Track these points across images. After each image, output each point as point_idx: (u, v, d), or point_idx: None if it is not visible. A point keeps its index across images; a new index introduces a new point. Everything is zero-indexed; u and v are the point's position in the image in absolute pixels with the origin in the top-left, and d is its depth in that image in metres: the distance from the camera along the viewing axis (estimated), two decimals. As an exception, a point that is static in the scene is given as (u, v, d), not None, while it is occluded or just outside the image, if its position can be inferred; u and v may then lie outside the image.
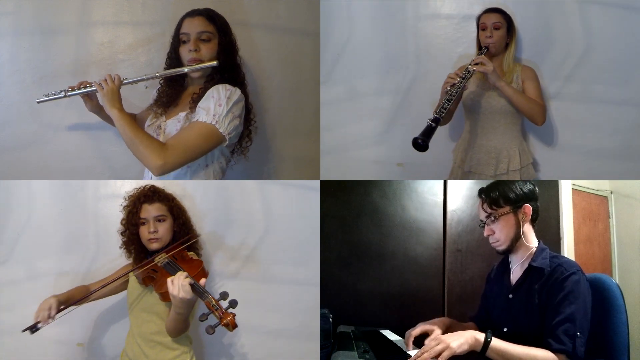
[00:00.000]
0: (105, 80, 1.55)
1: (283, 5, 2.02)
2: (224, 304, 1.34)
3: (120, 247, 1.66)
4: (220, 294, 1.35)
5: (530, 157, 2.01)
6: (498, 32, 1.90)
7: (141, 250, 1.63)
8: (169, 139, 1.53)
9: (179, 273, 1.37)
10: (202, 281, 1.38)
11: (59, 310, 1.46)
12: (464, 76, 1.79)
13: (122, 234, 1.65)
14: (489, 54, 1.91)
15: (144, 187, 1.66)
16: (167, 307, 1.53)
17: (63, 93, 1.65)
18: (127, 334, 1.64)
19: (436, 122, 1.72)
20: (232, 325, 1.31)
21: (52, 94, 1.66)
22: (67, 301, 1.51)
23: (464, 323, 1.62)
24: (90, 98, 1.74)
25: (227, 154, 1.71)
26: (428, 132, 1.71)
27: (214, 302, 1.34)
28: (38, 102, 1.68)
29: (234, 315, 1.32)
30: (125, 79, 1.59)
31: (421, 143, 1.69)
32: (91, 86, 1.62)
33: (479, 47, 1.96)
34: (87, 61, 1.97)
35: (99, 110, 1.78)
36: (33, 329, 1.44)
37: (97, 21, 1.98)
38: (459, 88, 1.78)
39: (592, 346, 1.31)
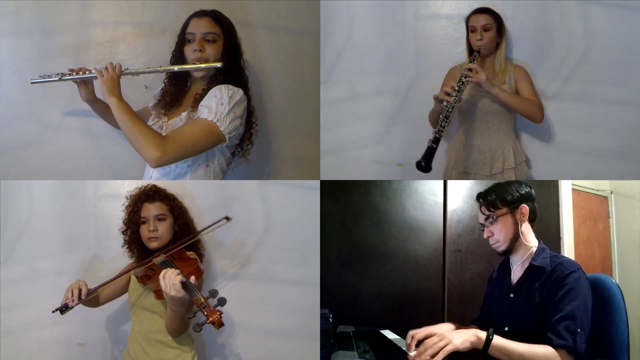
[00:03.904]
0: (106, 67, 1.53)
1: (283, 5, 2.02)
2: (213, 301, 1.33)
3: (123, 246, 1.66)
4: (209, 291, 1.34)
5: (523, 155, 2.02)
6: (488, 33, 1.90)
7: (143, 249, 1.64)
8: (170, 132, 1.53)
9: (170, 270, 1.37)
10: (192, 279, 1.37)
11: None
12: (459, 88, 1.80)
13: (123, 232, 1.66)
14: (480, 57, 1.91)
15: (145, 187, 1.66)
16: (166, 305, 1.52)
17: (59, 76, 1.61)
18: (129, 333, 1.64)
19: (437, 142, 1.75)
20: (218, 323, 1.30)
21: (48, 76, 1.62)
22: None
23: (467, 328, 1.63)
24: (86, 85, 1.71)
25: (228, 155, 1.71)
26: (430, 154, 1.75)
27: (202, 300, 1.33)
28: (32, 83, 1.64)
29: (221, 313, 1.31)
30: (127, 69, 1.58)
31: (424, 166, 1.74)
32: (90, 73, 1.59)
33: (470, 50, 1.96)
34: (87, 61, 1.96)
35: (93, 100, 1.76)
36: (63, 309, 1.46)
37: (97, 21, 1.98)
38: (455, 102, 1.79)
39: (593, 346, 1.31)
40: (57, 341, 1.83)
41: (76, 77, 1.63)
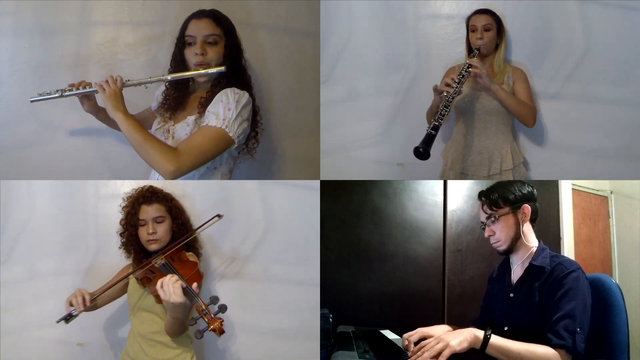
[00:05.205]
0: (107, 81, 1.50)
1: (283, 5, 2.02)
2: (214, 308, 1.34)
3: (120, 248, 1.66)
4: (210, 298, 1.35)
5: (521, 157, 2.02)
6: (488, 33, 1.92)
7: (140, 250, 1.63)
8: (180, 143, 1.51)
9: (167, 278, 1.36)
10: (194, 285, 1.38)
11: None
12: (459, 81, 1.80)
13: (121, 234, 1.65)
14: (480, 56, 1.92)
15: (142, 188, 1.66)
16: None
17: (60, 92, 1.58)
18: (128, 334, 1.65)
19: (436, 130, 1.74)
20: (219, 331, 1.31)
21: (47, 93, 1.59)
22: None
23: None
24: (88, 98, 1.70)
25: (235, 155, 1.71)
26: (429, 140, 1.72)
27: (203, 306, 1.33)
28: (32, 101, 1.61)
29: (222, 321, 1.32)
30: (128, 80, 1.55)
31: (423, 152, 1.71)
32: (91, 87, 1.57)
33: (469, 49, 1.97)
34: (87, 61, 1.97)
35: (96, 111, 1.76)
36: (68, 318, 1.46)
37: (97, 21, 1.98)
38: (455, 93, 1.79)
39: (592, 346, 1.31)
40: (57, 341, 1.83)
41: (77, 92, 1.59)
